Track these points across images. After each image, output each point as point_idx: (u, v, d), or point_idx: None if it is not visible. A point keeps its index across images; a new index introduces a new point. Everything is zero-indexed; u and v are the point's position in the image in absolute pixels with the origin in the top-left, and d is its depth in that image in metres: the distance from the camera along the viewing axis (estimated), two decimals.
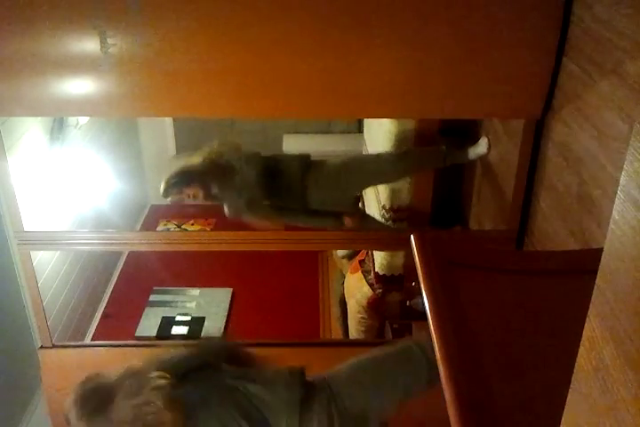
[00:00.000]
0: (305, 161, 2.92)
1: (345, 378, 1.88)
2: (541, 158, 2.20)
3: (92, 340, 4.01)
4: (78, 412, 1.64)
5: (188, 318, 4.33)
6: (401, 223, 3.17)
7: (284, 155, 2.96)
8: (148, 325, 4.25)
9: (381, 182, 3.13)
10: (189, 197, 2.77)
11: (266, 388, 1.77)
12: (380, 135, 3.20)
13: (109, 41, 1.93)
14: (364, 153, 4.01)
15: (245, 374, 1.82)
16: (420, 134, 2.92)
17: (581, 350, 0.69)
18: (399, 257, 3.22)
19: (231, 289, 4.58)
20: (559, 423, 0.76)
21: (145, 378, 1.70)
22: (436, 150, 2.87)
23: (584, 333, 0.68)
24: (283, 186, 2.85)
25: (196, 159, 2.83)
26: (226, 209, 2.88)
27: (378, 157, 3.06)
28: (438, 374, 1.56)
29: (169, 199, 2.82)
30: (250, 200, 2.80)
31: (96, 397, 1.67)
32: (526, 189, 2.31)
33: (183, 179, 2.75)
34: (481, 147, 2.78)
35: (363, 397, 1.83)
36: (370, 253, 3.53)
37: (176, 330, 4.23)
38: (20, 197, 2.39)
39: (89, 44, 1.95)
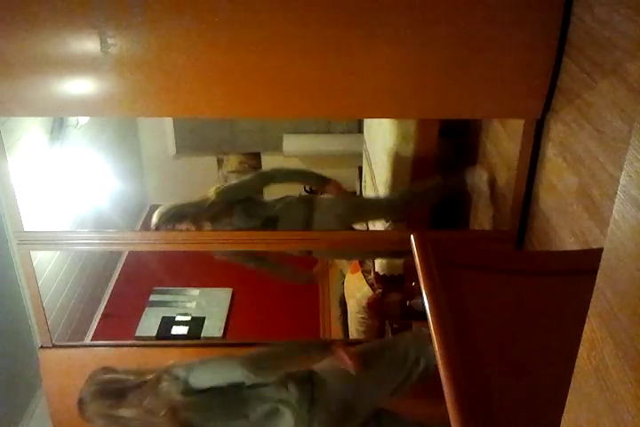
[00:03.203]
0: (308, 208, 2.88)
1: (330, 366, 2.04)
2: (541, 158, 2.20)
3: (92, 340, 4.02)
4: (95, 399, 1.82)
5: (188, 318, 4.33)
6: (401, 223, 3.17)
7: (285, 202, 2.92)
8: (148, 325, 4.25)
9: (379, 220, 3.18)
10: None
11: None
12: (380, 135, 3.20)
13: (109, 41, 1.93)
14: (363, 158, 4.01)
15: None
16: (421, 134, 2.92)
17: (581, 350, 0.69)
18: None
19: (231, 289, 4.58)
20: (559, 423, 0.76)
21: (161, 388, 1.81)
22: (433, 186, 2.89)
23: (584, 333, 0.68)
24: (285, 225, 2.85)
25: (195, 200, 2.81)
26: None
27: (378, 201, 3.08)
28: (428, 373, 1.60)
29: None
30: None
31: (114, 389, 1.85)
32: (526, 189, 2.30)
33: (176, 215, 2.71)
34: (479, 181, 2.80)
35: (345, 385, 1.97)
36: None
37: (176, 330, 4.24)
38: (20, 197, 2.39)
39: (89, 44, 1.95)
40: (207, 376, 1.92)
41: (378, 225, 3.38)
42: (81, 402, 1.86)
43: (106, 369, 1.94)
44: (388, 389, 2.03)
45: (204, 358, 2.02)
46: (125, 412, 1.80)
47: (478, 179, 2.81)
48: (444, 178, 2.87)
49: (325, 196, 2.98)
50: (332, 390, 1.96)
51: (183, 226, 2.70)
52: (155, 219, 2.72)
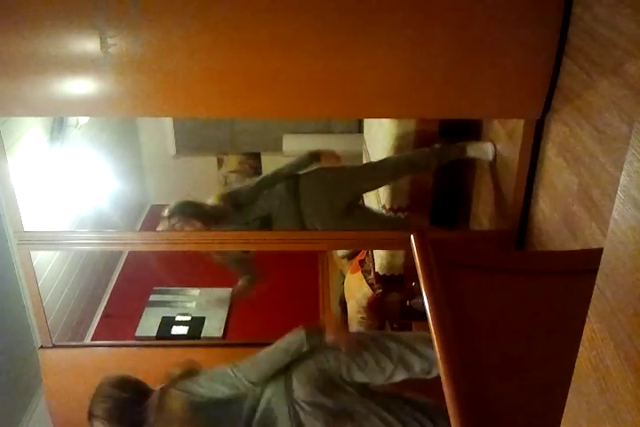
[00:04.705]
0: (292, 184, 2.89)
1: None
2: (541, 158, 2.20)
3: (92, 340, 4.02)
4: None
5: (188, 318, 4.33)
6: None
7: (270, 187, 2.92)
8: (148, 325, 4.25)
9: (375, 188, 3.17)
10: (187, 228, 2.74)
11: None
12: (380, 135, 3.20)
13: (109, 41, 1.93)
14: (363, 158, 4.01)
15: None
16: (421, 134, 2.92)
17: (581, 350, 0.69)
18: (399, 257, 3.22)
19: (231, 289, 4.57)
20: (559, 423, 0.76)
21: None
22: (429, 151, 2.83)
23: (584, 333, 0.68)
24: (278, 218, 2.84)
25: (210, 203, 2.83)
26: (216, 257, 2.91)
27: (372, 167, 3.03)
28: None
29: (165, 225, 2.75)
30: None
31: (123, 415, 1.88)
32: (526, 189, 2.30)
33: (191, 212, 2.72)
34: (485, 153, 2.73)
35: (350, 360, 1.99)
36: (370, 253, 3.53)
37: (176, 330, 4.23)
38: (20, 197, 2.39)
39: (89, 44, 1.95)
40: (213, 386, 1.95)
41: (373, 205, 3.38)
42: (91, 416, 1.88)
43: (116, 381, 1.95)
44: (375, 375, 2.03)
45: (206, 371, 2.05)
46: None
47: (484, 149, 2.74)
48: (444, 145, 2.82)
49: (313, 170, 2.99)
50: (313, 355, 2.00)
51: (192, 222, 2.70)
52: (172, 205, 2.74)
